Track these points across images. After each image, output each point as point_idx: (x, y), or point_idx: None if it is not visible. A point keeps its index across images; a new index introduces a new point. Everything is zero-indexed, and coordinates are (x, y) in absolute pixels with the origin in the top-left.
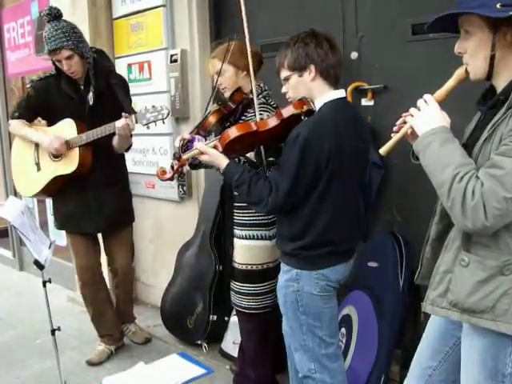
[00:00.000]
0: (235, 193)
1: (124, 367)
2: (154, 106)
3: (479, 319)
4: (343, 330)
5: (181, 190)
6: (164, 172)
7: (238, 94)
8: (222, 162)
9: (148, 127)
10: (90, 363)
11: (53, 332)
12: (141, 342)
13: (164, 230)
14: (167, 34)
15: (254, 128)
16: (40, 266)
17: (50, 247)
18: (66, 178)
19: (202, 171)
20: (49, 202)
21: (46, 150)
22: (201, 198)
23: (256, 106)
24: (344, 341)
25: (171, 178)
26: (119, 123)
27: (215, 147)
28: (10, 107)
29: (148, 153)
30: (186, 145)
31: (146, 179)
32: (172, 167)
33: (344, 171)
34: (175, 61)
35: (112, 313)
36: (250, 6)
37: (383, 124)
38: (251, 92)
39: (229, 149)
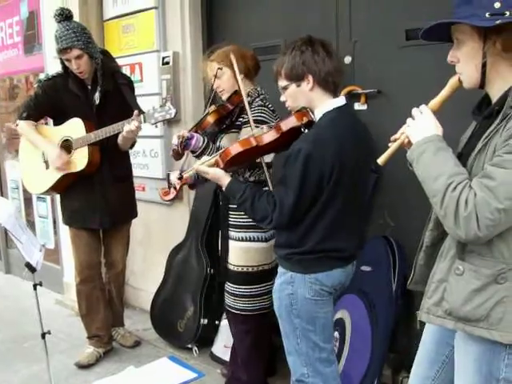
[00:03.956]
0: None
1: (113, 371)
2: (161, 106)
3: (474, 328)
4: (336, 333)
5: None
6: (167, 193)
7: (235, 96)
8: (224, 180)
9: (156, 126)
10: (79, 365)
11: (43, 335)
12: (130, 345)
13: (154, 232)
14: (159, 36)
15: (255, 143)
16: (32, 268)
17: (40, 250)
18: (75, 175)
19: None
20: (36, 204)
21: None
22: (192, 201)
23: (249, 111)
24: (337, 344)
25: (174, 198)
26: (131, 126)
27: (216, 163)
28: None
29: (138, 155)
30: (186, 142)
31: (137, 181)
32: (175, 188)
33: (346, 182)
34: (167, 63)
35: (104, 313)
36: (243, 9)
37: (376, 128)
38: (248, 95)
39: (230, 164)
